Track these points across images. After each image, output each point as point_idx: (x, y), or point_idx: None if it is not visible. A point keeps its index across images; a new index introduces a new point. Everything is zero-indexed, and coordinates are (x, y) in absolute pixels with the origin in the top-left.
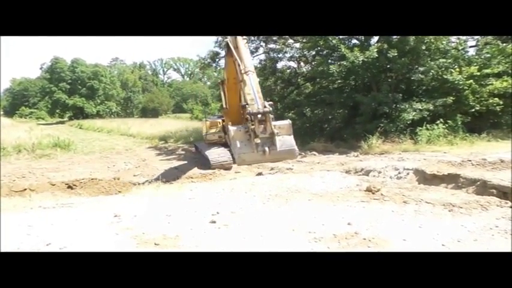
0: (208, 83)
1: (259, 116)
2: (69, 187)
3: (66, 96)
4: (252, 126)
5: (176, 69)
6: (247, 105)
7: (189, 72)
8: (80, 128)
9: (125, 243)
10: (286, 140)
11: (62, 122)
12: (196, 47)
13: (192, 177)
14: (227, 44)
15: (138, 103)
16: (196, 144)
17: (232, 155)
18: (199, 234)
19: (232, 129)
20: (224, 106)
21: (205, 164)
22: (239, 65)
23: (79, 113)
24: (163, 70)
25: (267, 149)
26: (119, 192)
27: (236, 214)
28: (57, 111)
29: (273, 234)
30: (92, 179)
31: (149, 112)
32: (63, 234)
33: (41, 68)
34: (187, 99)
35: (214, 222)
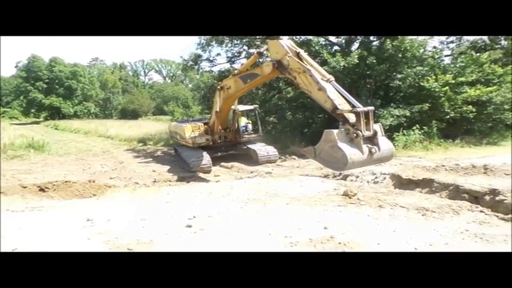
0: (190, 85)
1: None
2: (41, 190)
3: (43, 96)
4: (352, 127)
5: (158, 71)
6: (337, 109)
7: (171, 74)
8: (56, 128)
9: (96, 248)
10: (385, 141)
11: (37, 122)
12: (179, 48)
13: (170, 180)
14: (278, 62)
15: (117, 104)
16: (176, 147)
17: (329, 162)
18: (175, 238)
19: (335, 131)
20: (217, 110)
21: (184, 167)
22: (311, 76)
23: (55, 113)
24: (144, 71)
25: (375, 148)
26: (94, 195)
27: (213, 218)
28: (33, 111)
29: (249, 239)
30: (66, 181)
31: (129, 114)
32: (32, 239)
33: (16, 67)
34: (169, 102)
35: (190, 226)
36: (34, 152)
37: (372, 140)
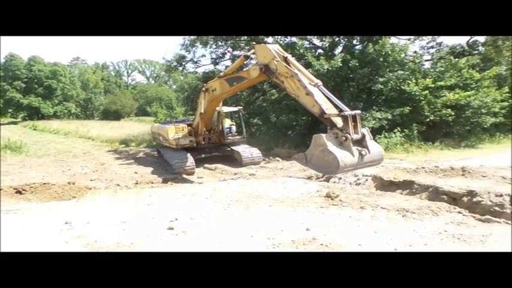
0: (174, 86)
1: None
2: (18, 192)
3: (21, 96)
4: (341, 131)
5: (141, 72)
6: (324, 114)
7: (155, 75)
8: (34, 129)
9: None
10: (374, 144)
11: (15, 123)
12: (161, 49)
13: (152, 182)
14: (265, 66)
15: (99, 105)
16: (159, 149)
17: (320, 165)
18: (156, 241)
19: (324, 135)
20: (201, 112)
21: (167, 168)
22: (299, 80)
23: (34, 114)
24: (127, 72)
25: (365, 150)
26: (73, 197)
27: (195, 220)
28: (10, 110)
29: (231, 241)
30: (44, 183)
31: (111, 114)
32: (7, 243)
33: None
34: (152, 103)
35: (172, 229)
36: (11, 153)
37: (360, 143)
